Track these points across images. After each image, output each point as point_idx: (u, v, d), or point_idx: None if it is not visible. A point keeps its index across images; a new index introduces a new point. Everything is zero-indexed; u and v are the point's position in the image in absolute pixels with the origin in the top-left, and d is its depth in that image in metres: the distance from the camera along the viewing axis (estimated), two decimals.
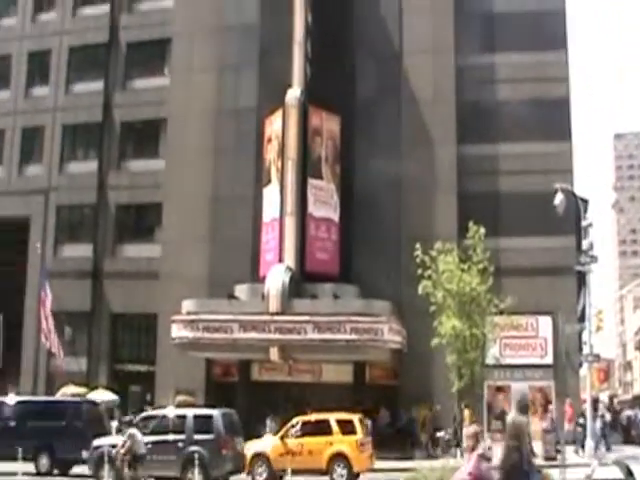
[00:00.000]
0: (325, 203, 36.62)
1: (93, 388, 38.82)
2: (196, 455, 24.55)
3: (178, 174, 40.90)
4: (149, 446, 24.95)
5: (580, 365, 36.81)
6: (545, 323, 37.09)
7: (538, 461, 26.07)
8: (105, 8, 46.36)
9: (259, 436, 30.29)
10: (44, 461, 28.14)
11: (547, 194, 32.80)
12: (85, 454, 26.68)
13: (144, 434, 25.82)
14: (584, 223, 33.92)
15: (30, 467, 27.53)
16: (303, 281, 34.90)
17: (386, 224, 37.40)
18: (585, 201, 36.77)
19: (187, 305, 35.47)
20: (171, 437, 25.80)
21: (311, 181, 36.34)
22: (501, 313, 28.55)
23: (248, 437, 28.23)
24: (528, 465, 10.62)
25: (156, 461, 24.88)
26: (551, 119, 38.58)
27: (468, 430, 11.45)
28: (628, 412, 45.91)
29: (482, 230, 28.14)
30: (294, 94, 36.42)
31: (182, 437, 25.60)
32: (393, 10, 39.85)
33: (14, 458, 26.14)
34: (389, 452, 31.63)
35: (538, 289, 35.94)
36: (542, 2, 39.79)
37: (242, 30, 40.76)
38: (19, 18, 48.92)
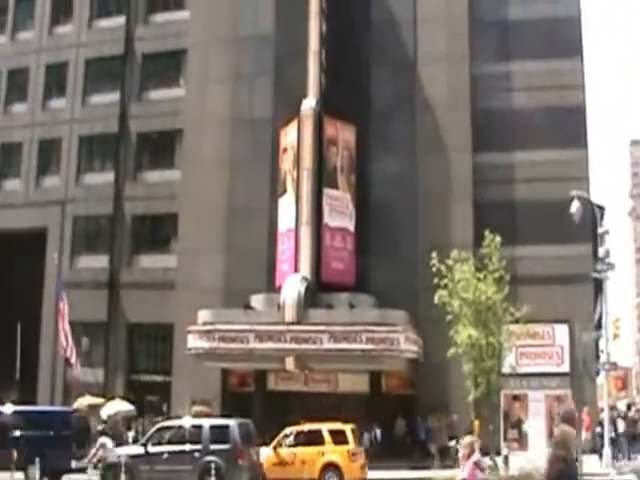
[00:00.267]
0: (341, 213, 36.63)
1: (110, 398, 38.89)
2: (212, 465, 24.61)
3: (194, 185, 41.04)
4: (165, 456, 25.08)
5: (597, 373, 36.62)
6: (562, 331, 36.87)
7: None
8: (121, 20, 46.68)
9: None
10: (33, 470, 28.19)
11: (563, 202, 32.64)
12: (74, 464, 26.69)
13: (160, 444, 25.97)
14: (600, 230, 33.76)
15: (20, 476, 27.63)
16: (319, 291, 34.90)
17: (402, 233, 37.37)
18: (601, 208, 36.63)
19: (203, 315, 35.53)
20: (187, 447, 25.88)
21: (327, 191, 36.37)
22: (517, 322, 28.42)
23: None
24: (574, 475, 10.66)
25: (173, 471, 25.03)
26: (567, 126, 38.40)
27: (465, 439, 11.82)
28: None
29: (498, 239, 28.10)
30: (309, 104, 36.49)
31: (198, 447, 25.67)
32: (408, 19, 39.88)
33: (6, 468, 26.17)
34: (405, 462, 31.54)
35: (554, 297, 35.76)
36: (557, 9, 39.62)
37: (257, 41, 40.93)
38: (36, 31, 49.31)
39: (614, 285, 38.39)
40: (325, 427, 28.23)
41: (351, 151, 37.59)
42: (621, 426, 35.38)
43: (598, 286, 35.59)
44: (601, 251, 33.29)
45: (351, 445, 27.57)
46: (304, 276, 34.76)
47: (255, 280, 37.29)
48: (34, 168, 47.73)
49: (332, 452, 27.44)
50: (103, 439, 22.34)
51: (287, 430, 28.59)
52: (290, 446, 27.99)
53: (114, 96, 45.95)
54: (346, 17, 38.22)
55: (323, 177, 36.29)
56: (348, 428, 28.17)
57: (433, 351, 33.24)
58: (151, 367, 43.30)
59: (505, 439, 35.52)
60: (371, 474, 28.55)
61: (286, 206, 37.04)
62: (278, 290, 35.04)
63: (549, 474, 10.43)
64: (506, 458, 29.72)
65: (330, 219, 36.17)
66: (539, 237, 37.29)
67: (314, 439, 28.06)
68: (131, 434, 36.74)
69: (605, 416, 32.73)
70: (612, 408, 37.03)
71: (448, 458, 32.42)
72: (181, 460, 25.41)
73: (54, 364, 43.56)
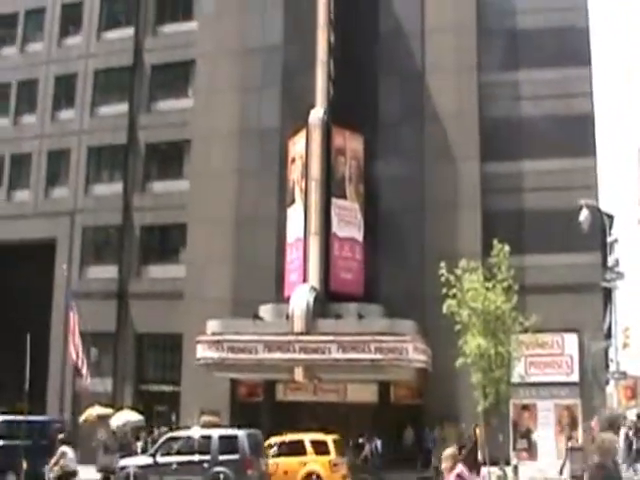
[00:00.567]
0: (349, 223, 36.63)
1: (119, 408, 38.97)
2: (221, 476, 24.67)
3: (202, 195, 41.15)
4: (174, 466, 25.05)
5: (607, 382, 36.56)
6: (571, 340, 36.72)
7: None
8: (129, 31, 46.90)
9: None
10: (11, 478, 28.30)
11: (572, 210, 32.60)
12: (47, 470, 26.80)
13: (169, 454, 25.96)
14: (610, 239, 33.79)
15: None
16: (327, 301, 34.87)
17: (410, 243, 37.37)
18: (610, 217, 36.60)
19: (212, 325, 35.56)
20: (196, 457, 25.87)
21: (335, 201, 36.38)
22: (526, 331, 28.33)
23: None
24: None
25: None
26: (575, 135, 38.28)
27: (446, 451, 11.61)
28: None
29: (507, 248, 28.06)
30: (317, 114, 36.53)
31: (207, 457, 25.66)
32: (416, 28, 39.93)
33: None
34: (411, 471, 31.49)
35: (563, 306, 35.63)
36: (565, 18, 39.54)
37: (265, 51, 41.09)
38: (45, 43, 49.58)
39: (624, 294, 38.34)
40: (307, 438, 28.68)
41: (359, 161, 37.60)
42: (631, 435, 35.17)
43: (607, 295, 35.59)
44: (610, 260, 33.33)
45: (332, 455, 28.05)
46: (313, 286, 34.76)
47: (264, 290, 37.30)
48: (43, 179, 47.94)
49: (314, 462, 27.86)
50: (64, 448, 22.16)
51: (271, 440, 28.73)
52: (274, 456, 28.19)
53: (123, 107, 46.14)
54: (354, 27, 38.27)
55: (331, 187, 36.31)
56: (330, 439, 28.60)
57: (442, 361, 33.15)
58: (160, 377, 43.32)
59: (514, 449, 35.46)
60: None
61: (295, 216, 37.07)
62: (287, 300, 35.05)
63: None
64: (515, 468, 29.66)
65: (338, 229, 36.17)
66: (548, 246, 37.18)
67: (296, 449, 28.42)
68: (140, 444, 36.77)
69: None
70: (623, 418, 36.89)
71: None
72: (190, 470, 25.41)
73: (63, 374, 43.64)
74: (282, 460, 28.03)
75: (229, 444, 25.84)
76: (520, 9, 40.34)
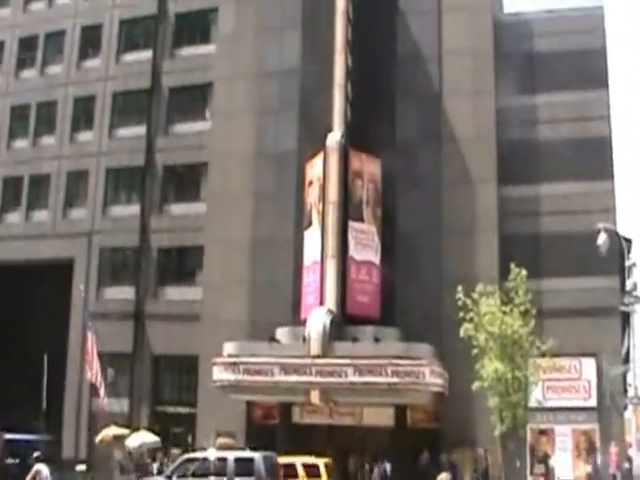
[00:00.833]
0: (366, 246, 36.59)
1: (135, 429, 39.03)
2: None
3: (219, 217, 41.28)
4: None
5: (625, 408, 36.25)
6: (589, 365, 36.50)
7: None
8: (147, 54, 47.29)
9: None
10: None
11: (590, 234, 32.45)
12: None
13: (185, 476, 25.96)
14: (628, 263, 33.58)
15: None
16: (344, 324, 34.79)
17: (427, 266, 37.28)
18: (629, 241, 36.38)
19: (228, 348, 35.57)
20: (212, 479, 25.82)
21: (352, 224, 36.34)
22: (543, 355, 28.29)
23: None
24: None
25: None
26: (593, 158, 38.22)
27: (440, 476, 11.71)
28: None
29: (524, 272, 28.04)
30: (335, 137, 36.58)
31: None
32: (433, 52, 40.02)
33: None
34: None
35: (581, 331, 35.47)
36: (582, 41, 39.52)
37: (283, 74, 41.25)
38: (65, 65, 50.05)
39: None
40: (299, 461, 28.68)
41: (377, 184, 37.60)
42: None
43: (625, 319, 35.38)
44: (628, 284, 33.14)
45: (324, 479, 27.91)
46: (329, 309, 34.70)
47: (280, 313, 37.27)
48: (61, 199, 48.25)
49: None
50: (38, 466, 22.16)
51: None
52: None
53: (140, 129, 46.46)
54: (372, 50, 38.32)
55: (349, 210, 36.28)
56: (321, 462, 28.75)
57: (459, 384, 33.02)
58: (176, 398, 43.33)
59: (531, 474, 35.24)
60: None
61: (312, 239, 37.08)
62: (303, 323, 35.01)
63: None
64: None
65: (356, 252, 36.13)
66: (565, 270, 37.04)
67: (288, 473, 28.39)
68: (155, 465, 36.80)
69: (633, 451, 32.37)
70: None
71: None
72: None
73: (80, 394, 43.79)
74: None
75: (245, 466, 25.77)
76: (537, 32, 40.48)
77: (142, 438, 37.91)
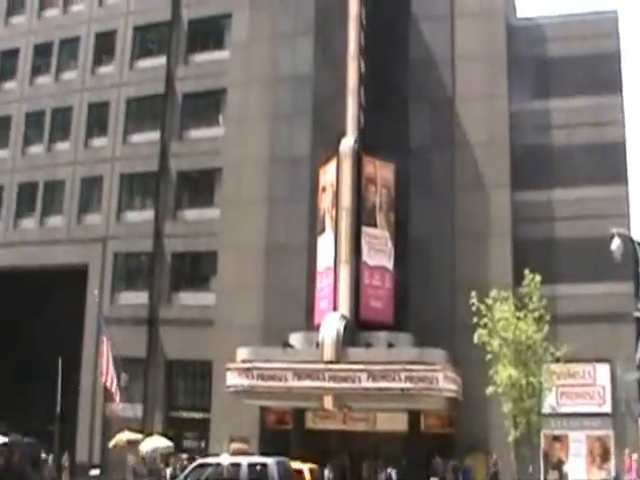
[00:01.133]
0: (379, 251, 36.57)
1: (148, 434, 39.14)
2: None
3: (233, 223, 41.36)
4: None
5: None
6: (603, 371, 36.36)
7: None
8: (161, 60, 47.45)
9: None
10: None
11: (604, 239, 32.25)
12: None
13: None
14: None
15: None
16: (357, 329, 34.78)
17: (440, 271, 37.26)
18: None
19: (242, 353, 35.61)
20: None
21: (365, 229, 36.35)
22: (558, 361, 28.23)
23: None
24: None
25: None
26: (607, 163, 38.08)
27: None
28: None
29: (538, 277, 27.98)
30: (348, 143, 36.63)
31: None
32: (446, 56, 40.04)
33: None
34: None
35: (595, 336, 35.33)
36: (596, 45, 39.40)
37: (296, 80, 41.35)
38: (79, 71, 50.30)
39: None
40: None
41: (390, 189, 37.59)
42: None
43: None
44: None
45: None
46: (343, 314, 34.72)
47: (294, 318, 37.33)
48: (76, 205, 48.45)
49: None
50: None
51: None
52: None
53: (155, 135, 46.61)
54: (384, 56, 38.34)
55: (362, 216, 36.29)
56: (306, 467, 28.65)
57: (472, 390, 33.02)
58: (190, 404, 43.40)
59: None
60: None
61: (325, 244, 37.10)
62: (317, 328, 35.04)
63: None
64: None
65: (369, 257, 36.13)
66: (579, 275, 36.89)
67: None
68: (169, 470, 36.87)
69: None
70: None
71: None
72: None
73: (94, 399, 43.95)
74: None
75: (258, 472, 25.78)
76: (550, 36, 40.34)
77: (155, 443, 38.05)
